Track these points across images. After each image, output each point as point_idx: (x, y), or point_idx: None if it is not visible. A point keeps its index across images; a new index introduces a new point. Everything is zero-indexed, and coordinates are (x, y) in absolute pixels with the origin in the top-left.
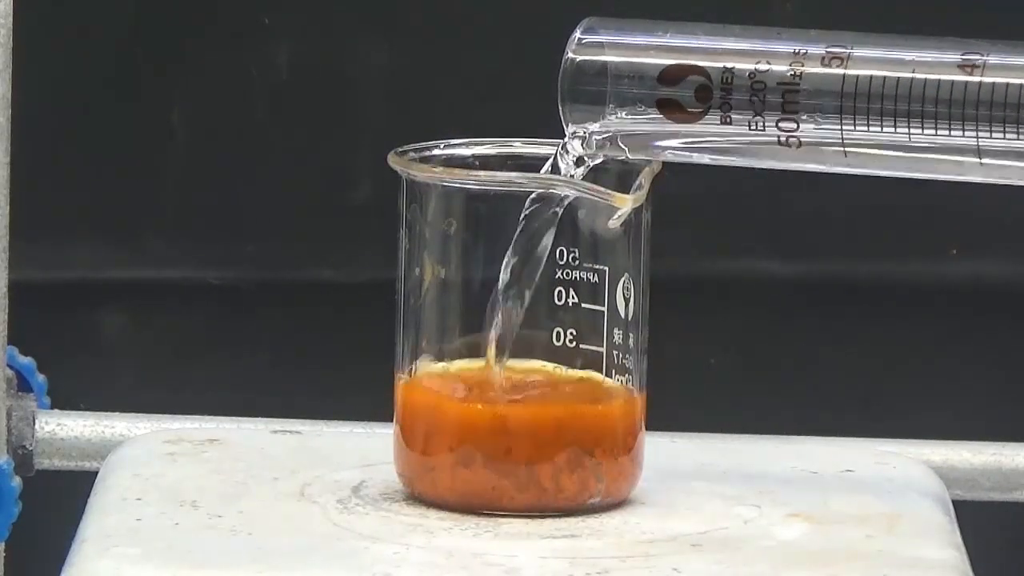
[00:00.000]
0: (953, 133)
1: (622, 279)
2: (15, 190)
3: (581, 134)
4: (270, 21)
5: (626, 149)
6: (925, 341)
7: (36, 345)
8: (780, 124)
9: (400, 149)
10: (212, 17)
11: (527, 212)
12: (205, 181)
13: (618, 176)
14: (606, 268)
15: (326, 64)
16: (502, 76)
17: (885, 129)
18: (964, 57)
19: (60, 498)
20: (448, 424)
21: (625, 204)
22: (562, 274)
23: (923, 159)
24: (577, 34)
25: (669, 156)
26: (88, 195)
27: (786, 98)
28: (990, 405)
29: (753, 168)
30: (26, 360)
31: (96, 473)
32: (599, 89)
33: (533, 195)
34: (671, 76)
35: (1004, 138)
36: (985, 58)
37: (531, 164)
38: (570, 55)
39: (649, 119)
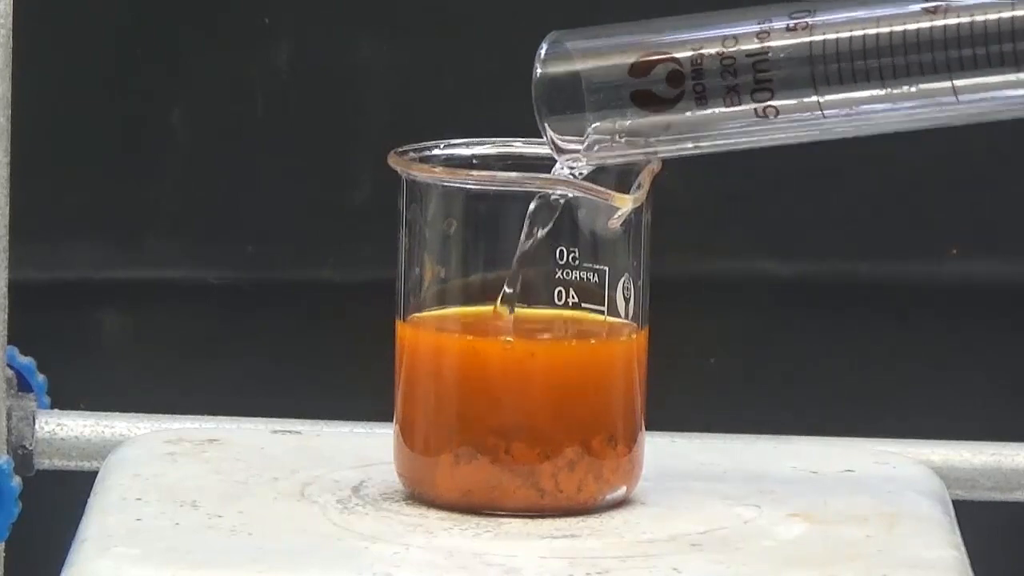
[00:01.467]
0: (927, 78)
1: (622, 279)
2: (15, 190)
3: (572, 163)
4: (270, 21)
5: (611, 153)
6: (925, 341)
7: (36, 345)
8: (755, 95)
9: (400, 149)
10: (212, 17)
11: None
12: (205, 181)
13: (618, 176)
14: (606, 268)
15: (326, 64)
16: (502, 76)
17: (860, 87)
18: (925, 5)
19: (60, 498)
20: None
21: (625, 204)
22: (562, 274)
23: (902, 111)
24: (543, 48)
25: (653, 151)
26: (88, 195)
27: (757, 69)
28: (990, 405)
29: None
30: (26, 360)
31: (96, 473)
32: (575, 97)
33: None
34: (641, 68)
35: (978, 74)
36: (947, 1)
37: (531, 164)
38: (539, 69)
39: (628, 116)
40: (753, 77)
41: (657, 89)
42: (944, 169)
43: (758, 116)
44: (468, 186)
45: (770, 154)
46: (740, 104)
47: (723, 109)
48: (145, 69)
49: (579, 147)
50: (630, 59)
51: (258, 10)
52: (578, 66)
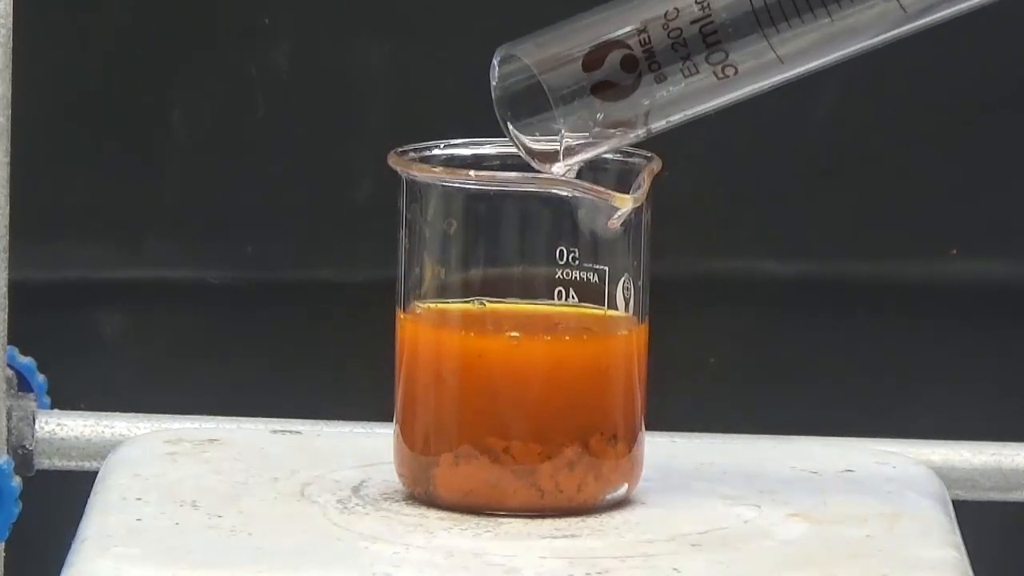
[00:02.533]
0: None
1: (622, 279)
2: (15, 190)
3: (552, 167)
4: (270, 21)
5: (590, 150)
6: (925, 341)
7: (36, 345)
8: (710, 59)
9: (400, 149)
10: (212, 17)
11: None
12: (205, 181)
13: (618, 176)
14: (606, 268)
15: (326, 64)
16: None
17: (807, 22)
18: None
19: (60, 498)
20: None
21: (625, 204)
22: (562, 274)
23: (852, 33)
24: (496, 67)
25: (628, 136)
26: (88, 195)
27: (704, 32)
28: (990, 405)
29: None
30: (26, 360)
31: (96, 473)
32: (539, 105)
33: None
34: (594, 60)
35: None
36: None
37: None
38: (498, 87)
39: (594, 110)
40: (703, 41)
41: (615, 77)
42: (944, 169)
43: (719, 79)
44: (468, 186)
45: (770, 154)
46: (699, 72)
47: (683, 80)
48: (145, 69)
49: (555, 151)
50: (580, 55)
51: (258, 10)
52: (536, 75)
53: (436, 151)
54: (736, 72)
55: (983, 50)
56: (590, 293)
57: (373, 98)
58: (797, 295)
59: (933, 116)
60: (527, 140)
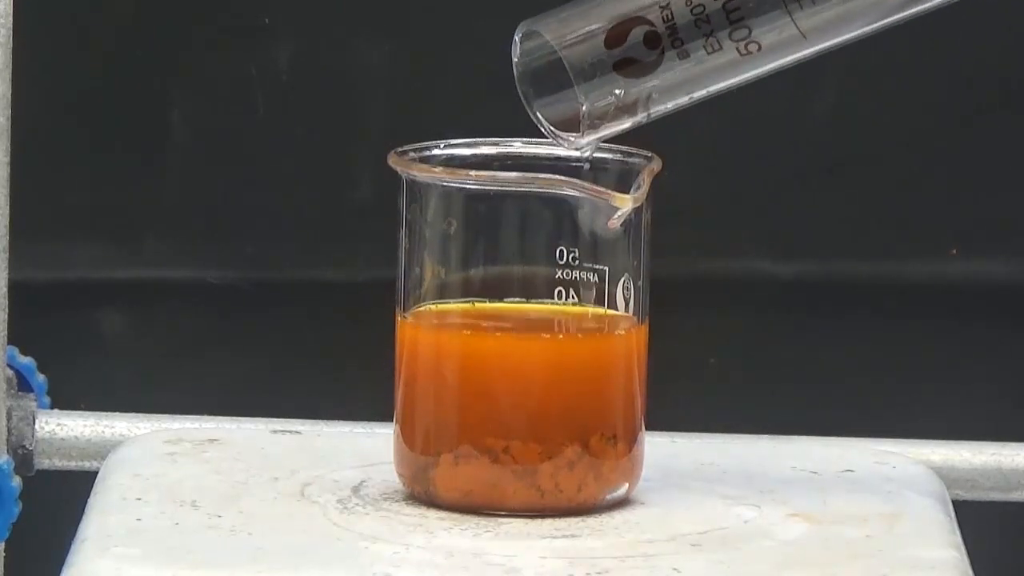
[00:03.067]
0: None
1: (622, 279)
2: (15, 190)
3: (575, 145)
4: (270, 21)
5: (606, 128)
6: (925, 341)
7: (36, 345)
8: (733, 35)
9: (400, 149)
10: (212, 17)
11: None
12: (205, 181)
13: (618, 176)
14: (606, 268)
15: (326, 64)
16: (502, 76)
17: None
18: None
19: (60, 498)
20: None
21: (625, 204)
22: (562, 274)
23: (874, 8)
24: (518, 42)
25: (649, 113)
26: (88, 195)
27: (728, 8)
28: (990, 405)
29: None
30: (26, 360)
31: (96, 473)
32: (561, 82)
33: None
34: (617, 36)
35: None
36: None
37: (531, 164)
38: (519, 64)
39: (617, 87)
40: (727, 17)
41: (637, 54)
42: (944, 169)
43: (742, 55)
44: (468, 186)
45: (770, 154)
46: (722, 48)
47: (707, 57)
48: (145, 69)
49: (576, 131)
50: (603, 31)
51: (258, 10)
52: (557, 52)
53: (436, 151)
54: (759, 48)
55: (983, 50)
56: (590, 293)
57: (373, 98)
58: (797, 295)
59: (933, 116)
60: (549, 117)
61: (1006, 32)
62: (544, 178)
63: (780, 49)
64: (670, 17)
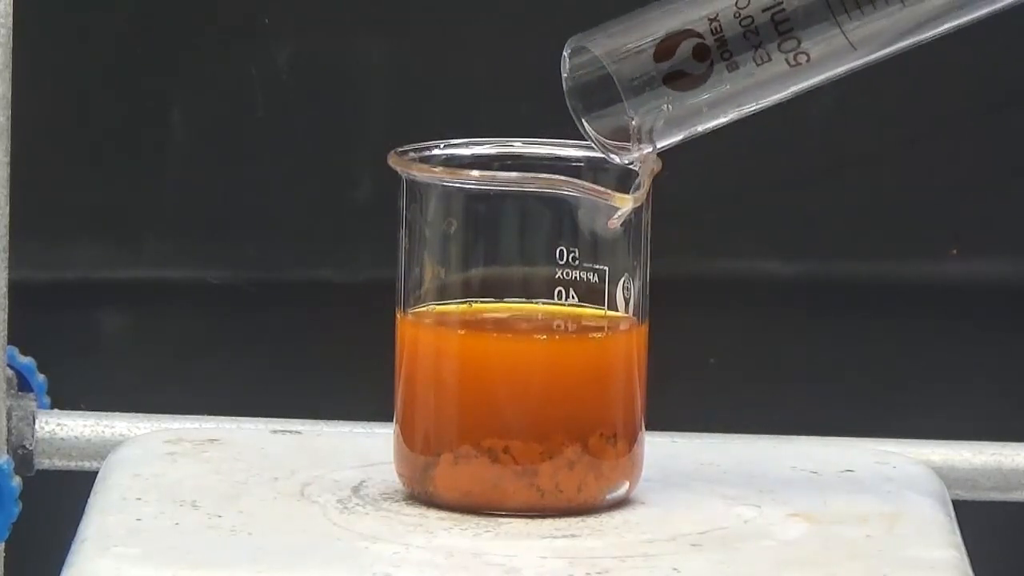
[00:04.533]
0: None
1: (622, 279)
2: (15, 190)
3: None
4: (270, 21)
5: (656, 141)
6: (925, 341)
7: (36, 345)
8: (782, 46)
9: (400, 149)
10: (212, 17)
11: None
12: (205, 181)
13: (618, 176)
14: (606, 268)
15: (326, 64)
16: (502, 76)
17: (878, 8)
18: None
19: (60, 498)
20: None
21: (625, 204)
22: (562, 274)
23: (924, 18)
24: (567, 57)
25: (699, 127)
26: (88, 195)
27: (776, 20)
28: (990, 405)
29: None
30: (26, 360)
31: (96, 473)
32: (610, 97)
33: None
34: (666, 50)
35: None
36: None
37: (531, 164)
38: (567, 76)
39: (666, 100)
40: (775, 29)
41: (687, 67)
42: (944, 169)
43: (791, 66)
44: (468, 186)
45: (770, 154)
46: (771, 60)
47: (756, 69)
48: (145, 69)
49: (627, 144)
50: (651, 45)
51: (258, 10)
52: (606, 67)
53: (436, 151)
54: (808, 59)
55: (983, 50)
56: (590, 293)
57: (373, 98)
58: (797, 295)
59: (933, 116)
60: (599, 130)
61: (1007, 32)
62: (544, 178)
63: (830, 60)
64: (719, 29)
